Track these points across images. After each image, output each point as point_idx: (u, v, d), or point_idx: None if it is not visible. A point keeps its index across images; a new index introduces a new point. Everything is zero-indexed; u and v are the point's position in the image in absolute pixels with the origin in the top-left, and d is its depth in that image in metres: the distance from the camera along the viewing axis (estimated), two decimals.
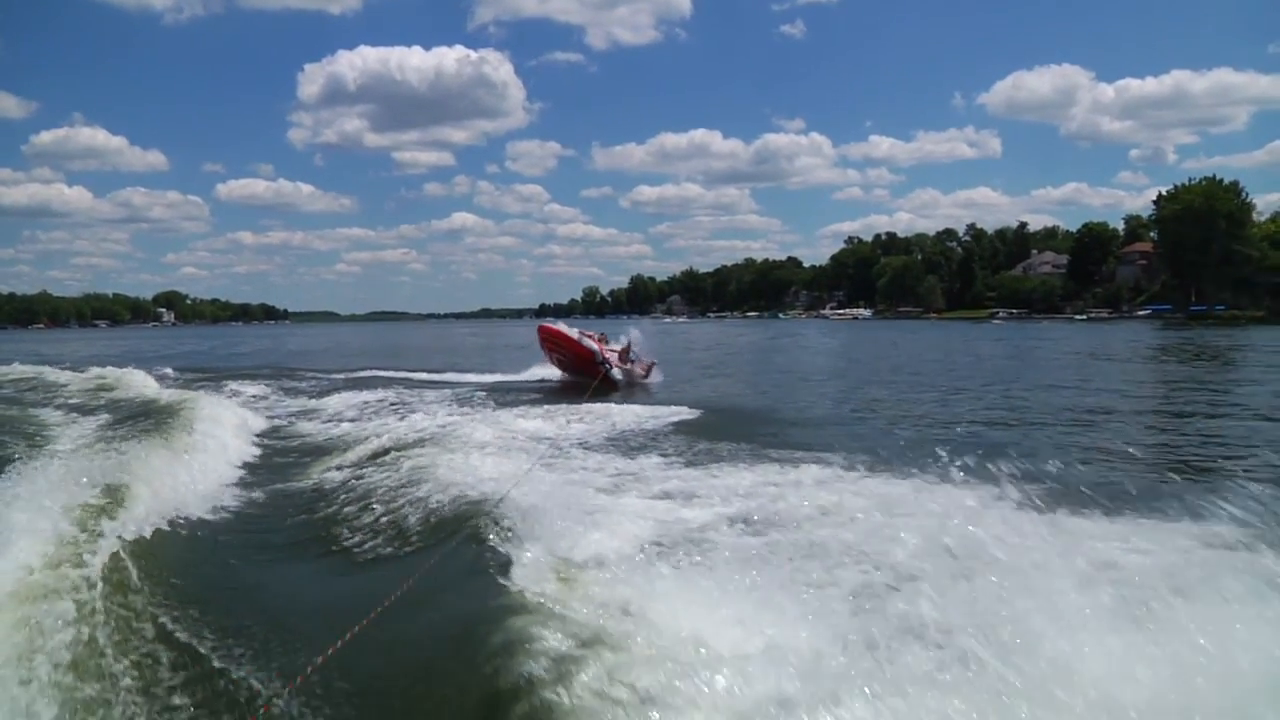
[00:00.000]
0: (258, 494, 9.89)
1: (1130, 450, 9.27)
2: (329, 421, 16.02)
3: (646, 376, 23.87)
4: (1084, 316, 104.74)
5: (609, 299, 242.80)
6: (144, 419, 14.24)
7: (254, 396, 20.89)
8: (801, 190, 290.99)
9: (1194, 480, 5.75)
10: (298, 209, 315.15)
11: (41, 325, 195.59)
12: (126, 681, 4.75)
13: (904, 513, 6.87)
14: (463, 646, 4.64)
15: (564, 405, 16.42)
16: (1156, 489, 5.99)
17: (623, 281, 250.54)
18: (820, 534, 6.58)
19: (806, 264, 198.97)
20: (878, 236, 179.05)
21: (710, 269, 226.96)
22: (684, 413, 15.17)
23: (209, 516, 8.67)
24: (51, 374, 26.83)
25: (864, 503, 7.37)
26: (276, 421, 16.21)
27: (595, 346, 22.53)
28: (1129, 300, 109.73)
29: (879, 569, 5.70)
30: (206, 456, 11.09)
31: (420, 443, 11.72)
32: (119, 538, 6.77)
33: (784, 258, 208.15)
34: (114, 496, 7.66)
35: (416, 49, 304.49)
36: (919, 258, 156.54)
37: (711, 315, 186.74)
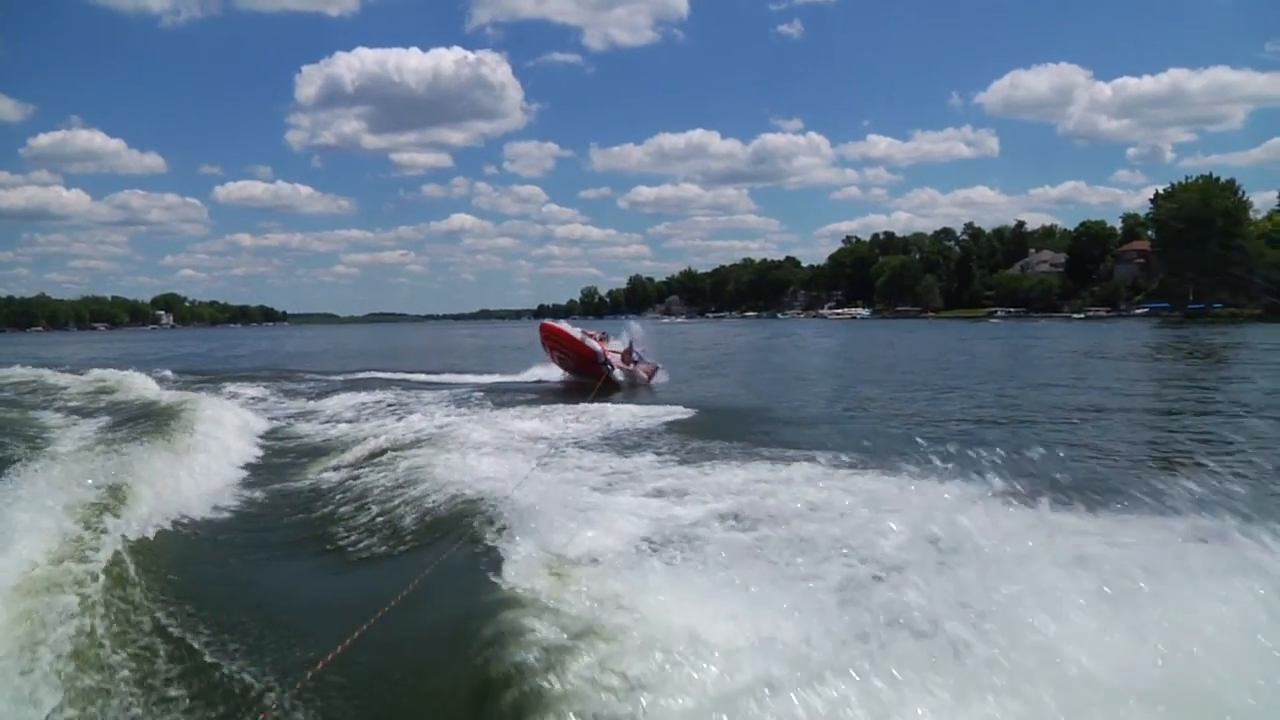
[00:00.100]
0: (258, 494, 10.00)
1: (1116, 446, 9.43)
2: (327, 422, 16.11)
3: (650, 379, 23.53)
4: (1082, 315, 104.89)
5: (607, 300, 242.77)
6: (145, 421, 14.35)
7: (253, 398, 20.97)
8: (799, 190, 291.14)
9: (1177, 475, 5.86)
10: (296, 211, 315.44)
11: (40, 328, 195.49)
12: (128, 676, 4.84)
13: (891, 508, 7.00)
14: (461, 644, 4.72)
15: (561, 405, 16.51)
16: (1141, 484, 6.11)
17: (621, 282, 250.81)
18: (809, 529, 6.72)
19: (805, 264, 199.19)
20: (875, 236, 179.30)
21: (709, 269, 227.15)
22: (678, 412, 15.29)
23: (210, 516, 8.79)
24: (51, 377, 26.89)
25: (852, 499, 7.50)
26: (276, 423, 16.31)
27: (598, 347, 22.38)
28: (1127, 299, 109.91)
29: (866, 562, 5.85)
30: (208, 457, 11.21)
31: (418, 443, 11.82)
32: (122, 536, 6.89)
33: (782, 258, 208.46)
34: (116, 497, 7.78)
35: (414, 50, 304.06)
36: (917, 257, 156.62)
37: (710, 315, 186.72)
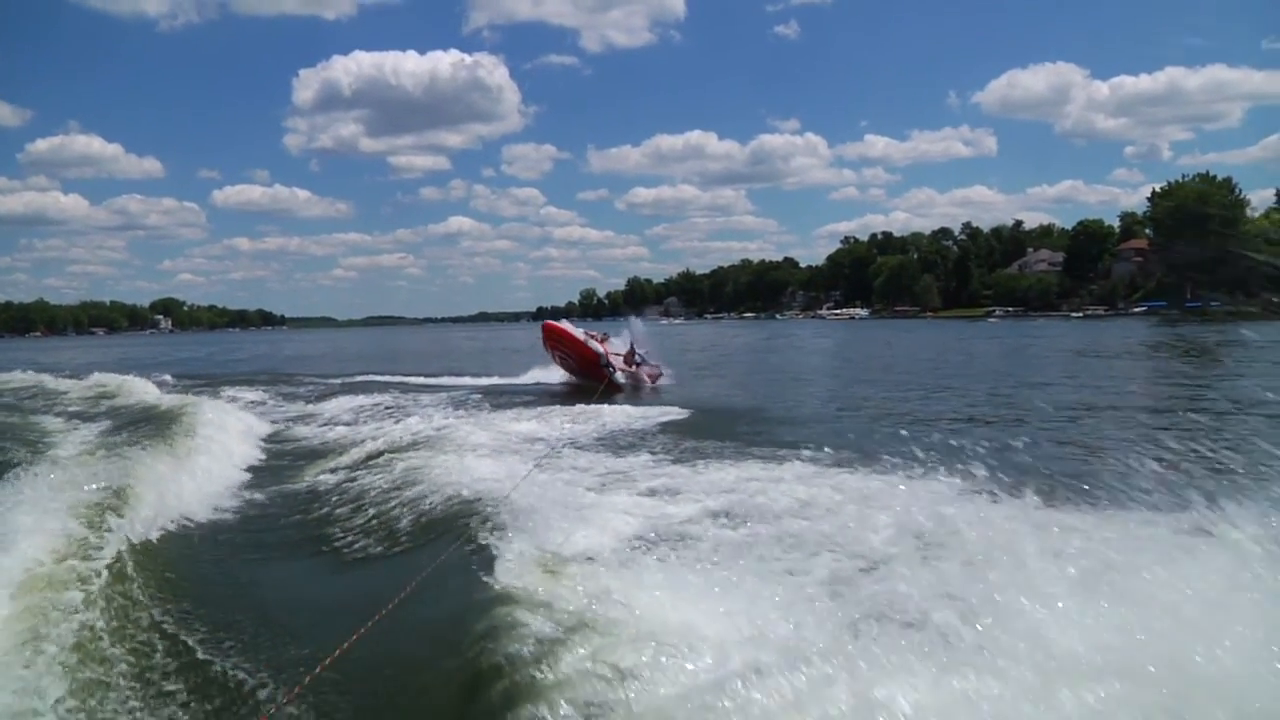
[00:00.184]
0: (258, 496, 10.11)
1: (1103, 443, 9.56)
2: (325, 425, 16.20)
3: (655, 383, 23.00)
4: (1080, 314, 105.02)
5: (606, 301, 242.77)
6: (146, 425, 14.44)
7: (252, 402, 21.03)
8: (797, 191, 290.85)
9: (1162, 472, 5.99)
10: (294, 214, 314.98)
11: (38, 333, 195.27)
12: (128, 676, 4.90)
13: (880, 505, 7.13)
14: (459, 642, 4.79)
15: (558, 407, 16.58)
16: (1126, 479, 6.24)
17: (620, 284, 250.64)
18: (799, 526, 6.85)
19: (803, 264, 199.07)
20: (873, 236, 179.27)
21: (707, 270, 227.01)
22: (673, 413, 15.40)
23: (211, 518, 8.90)
24: (52, 382, 26.95)
25: (841, 497, 7.64)
26: (275, 426, 16.39)
27: (601, 349, 22.18)
28: (1125, 297, 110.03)
29: (854, 557, 5.98)
30: (209, 460, 11.33)
31: (416, 446, 11.91)
32: (124, 537, 6.99)
33: (780, 258, 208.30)
34: (118, 499, 7.87)
35: (411, 53, 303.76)
36: (915, 257, 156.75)
37: (708, 316, 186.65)
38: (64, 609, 5.40)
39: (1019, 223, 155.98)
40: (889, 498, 7.34)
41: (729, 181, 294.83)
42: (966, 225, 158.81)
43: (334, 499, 9.45)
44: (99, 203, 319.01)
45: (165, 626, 5.65)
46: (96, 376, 25.63)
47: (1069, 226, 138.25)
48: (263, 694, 4.74)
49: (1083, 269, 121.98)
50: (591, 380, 21.09)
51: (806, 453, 9.23)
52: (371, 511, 8.60)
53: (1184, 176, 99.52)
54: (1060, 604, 4.33)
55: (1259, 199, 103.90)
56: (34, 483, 8.58)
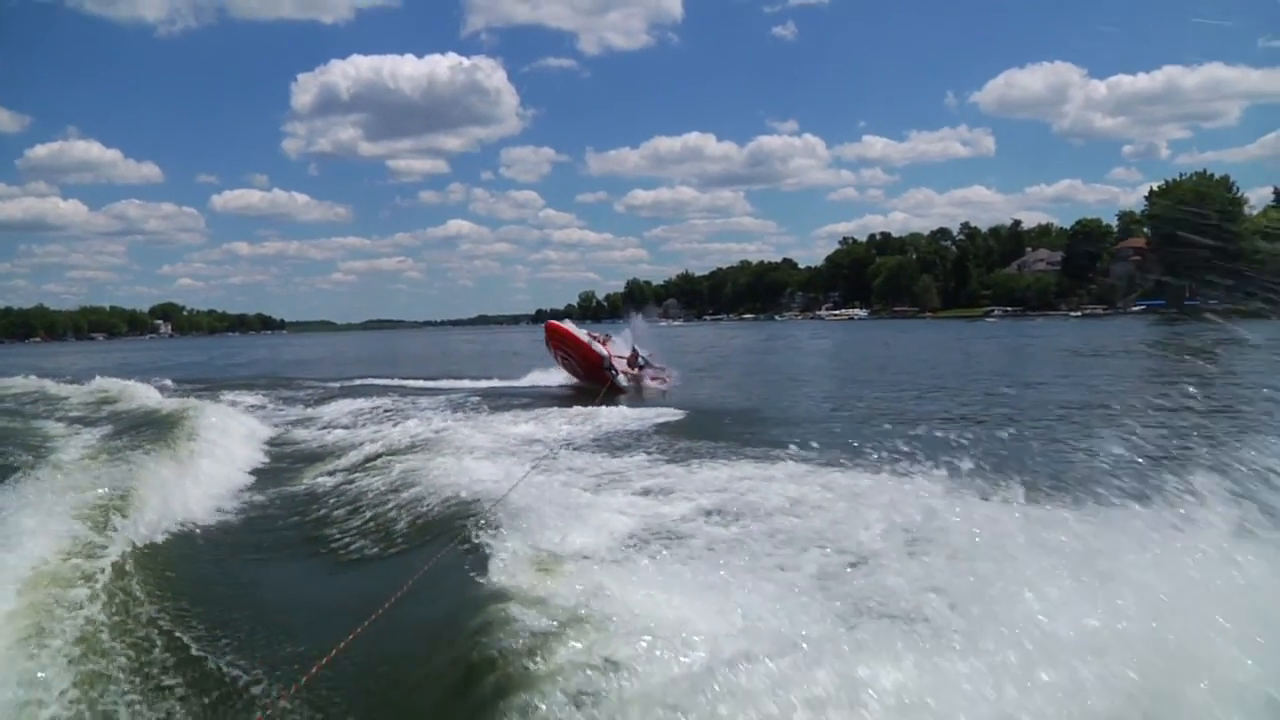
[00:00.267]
0: (258, 498, 10.22)
1: (1091, 441, 9.62)
2: (324, 429, 16.30)
3: (667, 385, 22.47)
4: (1079, 313, 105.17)
5: (605, 303, 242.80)
6: (148, 429, 14.54)
7: (252, 406, 21.09)
8: (796, 192, 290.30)
9: (1144, 466, 6.11)
10: (293, 219, 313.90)
11: (38, 339, 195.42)
12: (129, 676, 4.97)
13: (869, 502, 7.27)
14: (454, 639, 4.87)
15: (556, 409, 16.67)
16: (1110, 475, 6.36)
17: (619, 286, 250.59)
18: (790, 523, 6.99)
19: (802, 265, 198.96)
20: (872, 237, 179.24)
21: (706, 272, 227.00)
22: (669, 414, 15.52)
23: (211, 520, 9.01)
24: (53, 387, 27.05)
25: (832, 494, 7.78)
26: (274, 429, 16.50)
27: (604, 351, 21.96)
28: (1123, 296, 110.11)
29: (843, 551, 6.14)
30: (210, 463, 11.45)
31: (414, 448, 12.03)
32: (126, 539, 7.11)
33: (779, 259, 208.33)
34: (121, 501, 7.99)
35: (409, 57, 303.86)
36: (913, 257, 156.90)
37: (707, 318, 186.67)
38: (68, 605, 5.51)
39: (1017, 222, 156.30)
40: (878, 495, 7.47)
41: (727, 183, 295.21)
42: (965, 225, 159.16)
43: (332, 501, 9.55)
44: (98, 208, 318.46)
45: (166, 625, 5.75)
46: (99, 381, 25.70)
47: (1067, 226, 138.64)
48: (258, 690, 4.84)
49: (1081, 268, 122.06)
50: (593, 383, 20.92)
51: (799, 452, 9.35)
52: (369, 513, 8.70)
53: (1181, 175, 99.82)
54: (1045, 591, 4.42)
55: (1257, 197, 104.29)
56: (38, 486, 8.70)
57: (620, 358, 22.59)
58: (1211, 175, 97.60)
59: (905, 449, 8.12)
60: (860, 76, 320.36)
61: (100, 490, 8.30)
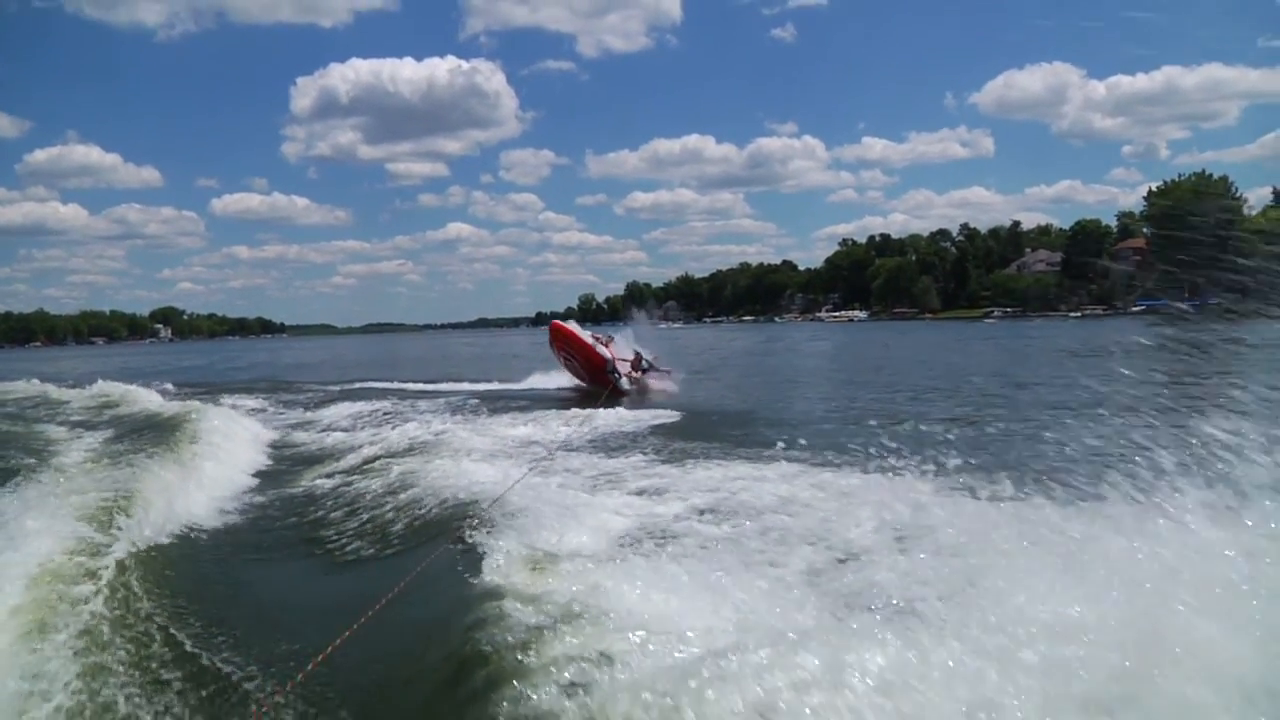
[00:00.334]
0: (258, 500, 10.33)
1: (1079, 439, 9.72)
2: (324, 432, 16.39)
3: (672, 388, 22.15)
4: (1079, 314, 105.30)
5: (604, 306, 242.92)
6: (150, 432, 14.67)
7: (252, 409, 21.15)
8: (795, 193, 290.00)
9: (1128, 463, 6.23)
10: (293, 222, 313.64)
11: (38, 343, 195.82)
12: (128, 674, 5.04)
13: (859, 500, 7.40)
14: (448, 636, 4.97)
15: (554, 412, 16.76)
16: (1095, 472, 6.48)
17: (619, 288, 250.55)
18: (782, 521, 7.09)
19: (801, 267, 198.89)
20: (872, 238, 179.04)
21: (706, 274, 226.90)
22: (665, 415, 15.66)
23: (212, 521, 9.11)
24: (55, 391, 27.15)
25: (823, 493, 7.89)
26: (274, 432, 16.61)
27: (608, 354, 21.78)
28: (1123, 296, 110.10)
29: (833, 548, 6.27)
30: (213, 465, 11.57)
31: (412, 451, 12.14)
32: (128, 539, 7.21)
33: (779, 261, 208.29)
34: (122, 503, 8.09)
35: (408, 60, 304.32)
36: (913, 259, 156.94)
37: (707, 320, 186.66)
38: (72, 600, 5.64)
39: (1017, 223, 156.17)
40: (869, 493, 7.60)
41: (727, 185, 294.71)
42: (964, 226, 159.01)
43: (329, 503, 9.65)
44: (98, 212, 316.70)
45: (167, 623, 5.84)
46: (100, 385, 25.81)
47: (1067, 227, 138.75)
48: (255, 686, 4.94)
49: (1081, 269, 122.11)
50: (596, 385, 20.77)
51: (792, 452, 9.49)
52: (366, 515, 8.81)
53: (1181, 175, 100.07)
54: (1029, 581, 4.53)
55: (1256, 197, 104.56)
56: (42, 489, 8.82)
57: (624, 361, 22.43)
58: (1210, 175, 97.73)
59: (896, 448, 8.26)
60: (859, 78, 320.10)
61: (105, 493, 8.40)
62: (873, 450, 8.48)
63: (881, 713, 3.57)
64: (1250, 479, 4.94)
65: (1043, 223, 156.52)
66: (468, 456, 11.21)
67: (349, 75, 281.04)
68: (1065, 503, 6.53)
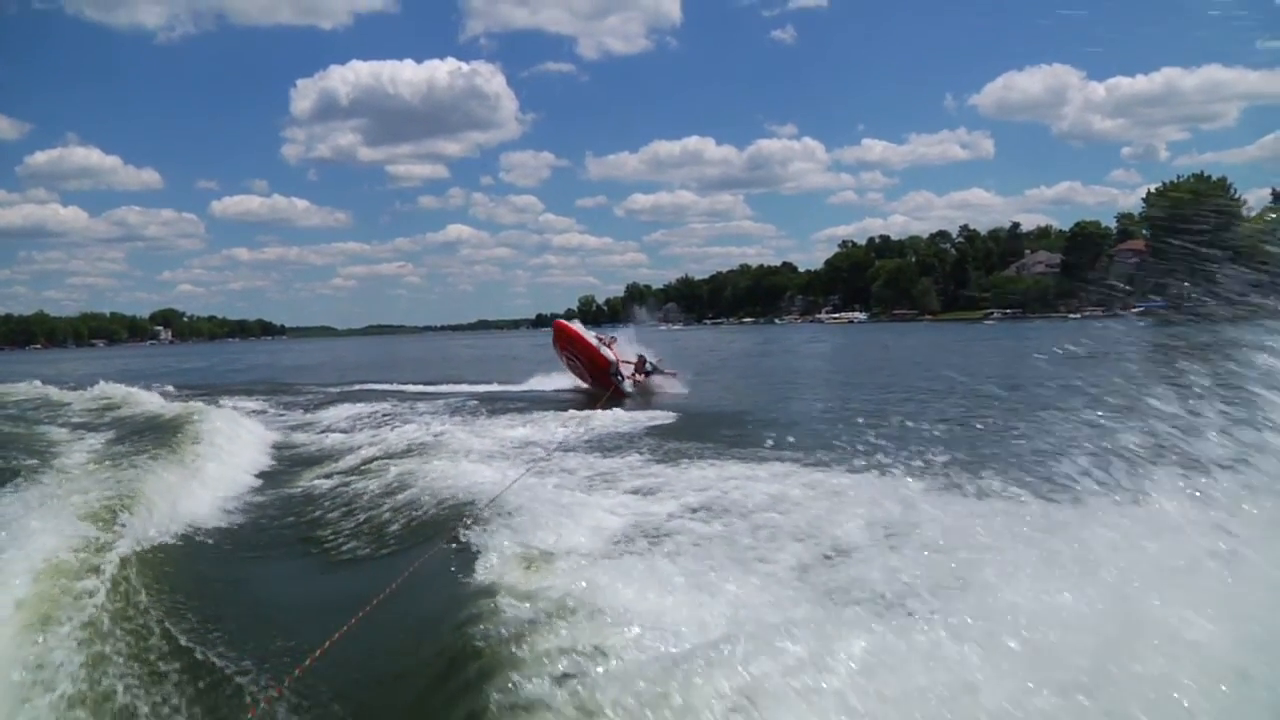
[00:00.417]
0: (258, 500, 10.43)
1: (1068, 437, 9.82)
2: (323, 433, 16.47)
3: (678, 385, 22.20)
4: (1078, 315, 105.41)
5: (605, 307, 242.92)
6: (152, 433, 14.77)
7: (252, 411, 21.19)
8: (795, 195, 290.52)
9: (1114, 460, 6.34)
10: (293, 224, 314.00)
11: (39, 345, 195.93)
12: (129, 674, 5.08)
13: (850, 498, 7.53)
14: (440, 631, 5.07)
15: (552, 413, 16.84)
16: (1084, 469, 6.58)
17: (619, 290, 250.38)
18: (773, 519, 7.21)
19: (801, 269, 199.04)
20: (871, 240, 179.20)
21: (706, 276, 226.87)
22: (661, 416, 15.81)
23: (214, 522, 9.18)
24: (57, 393, 27.20)
25: (814, 492, 8.00)
26: (274, 434, 16.68)
27: (612, 356, 21.67)
28: (1122, 298, 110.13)
29: (823, 545, 6.40)
30: (213, 466, 11.64)
31: (410, 452, 12.25)
32: (130, 539, 7.29)
33: (779, 263, 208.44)
34: (128, 502, 8.20)
35: (408, 62, 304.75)
36: (913, 260, 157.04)
37: (707, 321, 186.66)
38: (74, 595, 5.74)
39: (1016, 225, 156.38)
40: (859, 491, 7.73)
41: (727, 187, 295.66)
42: (964, 228, 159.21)
43: (327, 503, 9.72)
44: (98, 214, 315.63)
45: (167, 620, 5.92)
46: (101, 387, 25.83)
47: (1066, 228, 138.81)
48: (252, 682, 5.01)
49: (1080, 270, 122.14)
50: (599, 387, 20.67)
51: (784, 452, 9.60)
52: (363, 515, 8.89)
53: (1180, 177, 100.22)
54: (1014, 573, 4.65)
55: (1255, 198, 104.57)
56: (44, 490, 8.93)
57: (627, 363, 22.36)
58: (1209, 177, 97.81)
59: (886, 447, 8.37)
60: (859, 80, 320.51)
61: (106, 492, 8.51)
62: (863, 449, 8.59)
63: (864, 694, 3.67)
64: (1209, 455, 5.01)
65: (1042, 224, 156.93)
66: (465, 457, 11.32)
67: (349, 77, 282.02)
68: (1048, 496, 6.65)
